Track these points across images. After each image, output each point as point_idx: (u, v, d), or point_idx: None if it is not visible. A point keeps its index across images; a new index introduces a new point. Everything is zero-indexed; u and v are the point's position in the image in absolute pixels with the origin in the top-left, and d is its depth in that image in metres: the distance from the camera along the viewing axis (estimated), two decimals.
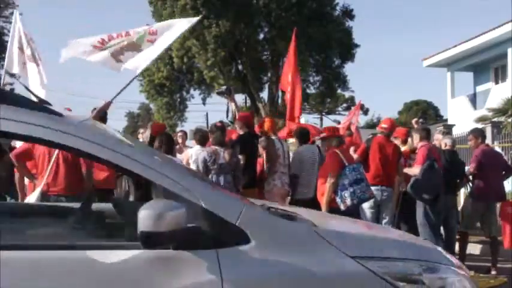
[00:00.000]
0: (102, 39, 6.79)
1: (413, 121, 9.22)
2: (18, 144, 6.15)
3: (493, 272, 6.85)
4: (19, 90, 42.77)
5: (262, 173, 7.80)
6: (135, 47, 6.84)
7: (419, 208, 6.73)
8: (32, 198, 5.23)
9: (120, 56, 6.81)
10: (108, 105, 6.45)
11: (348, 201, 5.96)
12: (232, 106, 8.65)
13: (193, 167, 7.07)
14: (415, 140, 6.99)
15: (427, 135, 6.96)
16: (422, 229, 6.66)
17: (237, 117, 8.06)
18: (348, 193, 5.96)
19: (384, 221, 6.79)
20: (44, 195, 5.21)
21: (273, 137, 7.49)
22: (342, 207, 6.00)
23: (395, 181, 6.96)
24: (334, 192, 6.05)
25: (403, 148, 7.36)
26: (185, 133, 9.32)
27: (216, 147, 6.55)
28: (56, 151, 5.30)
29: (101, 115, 7.01)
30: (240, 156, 7.07)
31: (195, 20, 7.59)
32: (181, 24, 7.16)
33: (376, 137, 7.18)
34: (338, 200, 6.02)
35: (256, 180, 7.41)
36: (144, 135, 7.78)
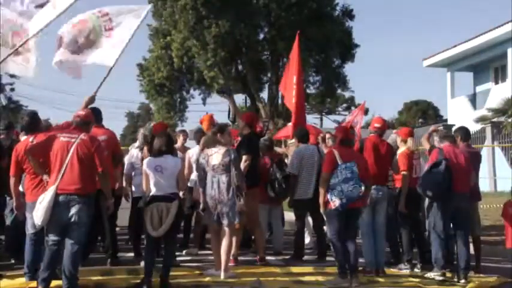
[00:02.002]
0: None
1: (432, 128, 8.54)
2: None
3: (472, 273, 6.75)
4: (19, 89, 42.76)
5: (266, 173, 7.84)
6: (92, 43, 6.81)
7: (429, 207, 6.81)
8: (47, 196, 5.18)
9: (80, 55, 6.79)
10: (92, 99, 6.49)
11: (337, 201, 5.94)
12: (231, 106, 8.62)
13: (194, 167, 7.06)
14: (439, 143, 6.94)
15: (452, 140, 6.91)
16: (432, 228, 6.72)
17: (236, 117, 8.05)
18: (336, 192, 5.95)
19: (379, 220, 6.80)
20: (56, 194, 5.18)
21: None
22: (332, 206, 6.00)
23: (401, 179, 7.03)
24: (327, 192, 6.06)
25: (403, 148, 7.34)
26: (186, 133, 9.30)
27: (210, 149, 6.55)
28: (72, 150, 5.28)
29: (95, 114, 7.02)
30: (245, 157, 7.07)
31: (146, 9, 7.31)
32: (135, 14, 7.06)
33: (369, 136, 7.18)
34: (329, 199, 6.03)
35: (258, 179, 7.41)
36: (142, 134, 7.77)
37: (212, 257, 6.72)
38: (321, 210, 6.22)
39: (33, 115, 6.27)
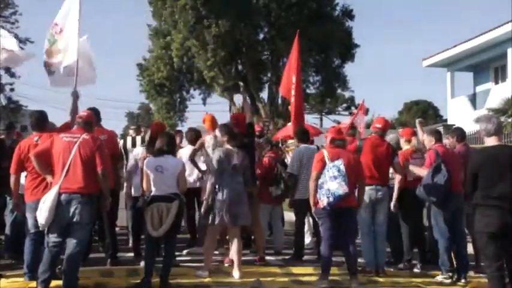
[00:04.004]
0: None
1: (418, 121, 8.55)
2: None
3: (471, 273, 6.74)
4: (19, 89, 42.77)
5: (267, 173, 7.83)
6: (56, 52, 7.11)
7: (430, 208, 6.80)
8: (49, 196, 5.19)
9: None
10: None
11: (325, 200, 5.91)
12: (244, 105, 8.39)
13: (186, 167, 6.93)
14: (430, 141, 6.90)
15: (440, 137, 6.93)
16: (432, 230, 6.73)
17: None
18: (324, 191, 5.91)
19: (379, 220, 6.79)
20: (59, 193, 5.19)
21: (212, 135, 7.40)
22: (321, 205, 5.98)
23: (395, 179, 7.00)
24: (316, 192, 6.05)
25: (406, 147, 7.34)
26: (181, 133, 9.28)
27: (231, 148, 6.52)
28: (75, 149, 5.30)
29: (95, 113, 7.02)
30: None
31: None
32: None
33: (370, 136, 7.17)
34: (318, 199, 6.02)
35: (255, 180, 7.41)
36: (142, 135, 7.77)
37: (213, 257, 6.71)
38: (312, 210, 6.22)
39: (41, 113, 6.26)
